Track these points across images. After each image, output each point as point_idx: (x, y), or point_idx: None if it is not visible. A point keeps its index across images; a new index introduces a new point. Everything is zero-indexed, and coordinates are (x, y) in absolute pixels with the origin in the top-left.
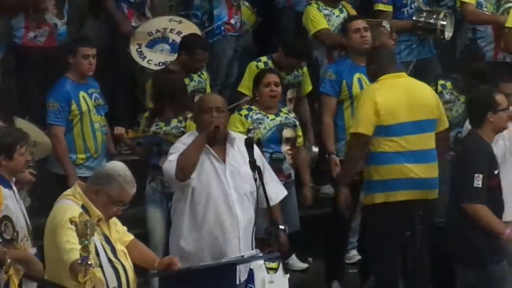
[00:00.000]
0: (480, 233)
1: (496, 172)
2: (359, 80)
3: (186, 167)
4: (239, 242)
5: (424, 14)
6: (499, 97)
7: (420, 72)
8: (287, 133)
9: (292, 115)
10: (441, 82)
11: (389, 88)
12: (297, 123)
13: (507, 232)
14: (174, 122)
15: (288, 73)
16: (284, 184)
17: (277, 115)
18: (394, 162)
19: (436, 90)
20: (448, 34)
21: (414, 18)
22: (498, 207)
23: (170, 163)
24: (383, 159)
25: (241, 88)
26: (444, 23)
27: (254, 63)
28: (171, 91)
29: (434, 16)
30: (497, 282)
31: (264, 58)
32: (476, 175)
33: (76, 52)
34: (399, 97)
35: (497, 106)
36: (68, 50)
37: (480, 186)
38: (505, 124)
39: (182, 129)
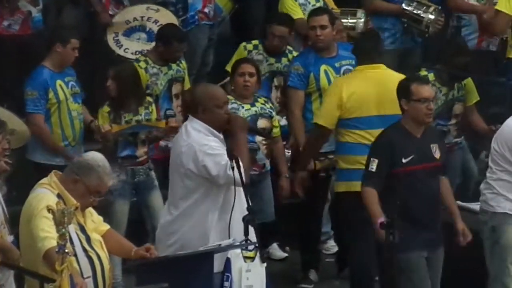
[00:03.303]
0: None
1: (405, 160)
2: (326, 72)
3: (249, 171)
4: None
5: (414, 4)
6: (419, 87)
7: (402, 62)
8: (261, 123)
9: (269, 105)
10: (423, 73)
11: (359, 80)
12: (274, 113)
13: (379, 220)
14: (142, 110)
15: (277, 60)
16: (258, 175)
17: (252, 105)
18: (357, 153)
19: None
20: (433, 29)
21: (403, 5)
22: (412, 194)
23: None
24: (347, 149)
25: (228, 67)
26: (432, 17)
27: (244, 43)
28: (135, 80)
29: (424, 8)
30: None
31: (255, 41)
32: (372, 159)
33: (68, 43)
34: (368, 90)
35: (410, 95)
36: (57, 38)
37: (373, 170)
38: (422, 116)
39: (150, 114)
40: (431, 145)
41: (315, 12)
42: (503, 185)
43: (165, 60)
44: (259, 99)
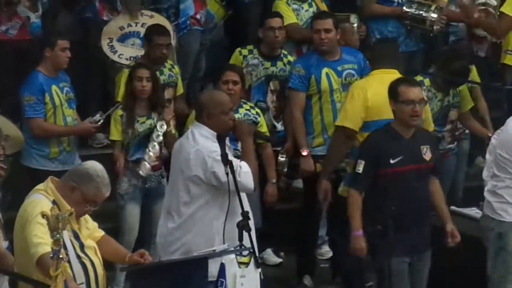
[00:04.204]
0: None
1: (393, 161)
2: (327, 74)
3: (256, 177)
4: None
5: (415, 6)
6: (405, 89)
7: (407, 66)
8: None
9: (255, 110)
10: (419, 78)
11: (378, 83)
12: (259, 119)
13: (356, 233)
14: (155, 115)
15: (273, 64)
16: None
17: (235, 111)
18: None
19: None
20: (437, 27)
21: (404, 8)
22: (400, 196)
23: (246, 175)
24: None
25: None
26: (435, 15)
27: (239, 49)
28: (155, 84)
29: (425, 9)
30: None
31: (250, 46)
32: (359, 161)
33: (55, 45)
34: (386, 93)
35: (397, 97)
36: (46, 43)
37: (360, 172)
38: (407, 117)
39: (163, 120)
40: (422, 147)
41: (320, 16)
42: None
43: (153, 61)
44: (244, 105)
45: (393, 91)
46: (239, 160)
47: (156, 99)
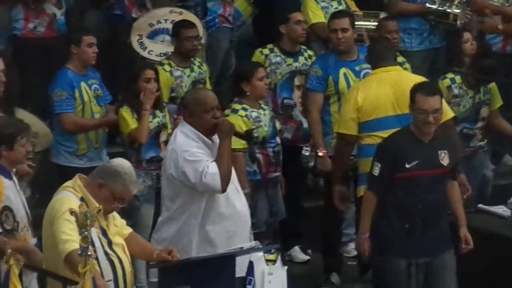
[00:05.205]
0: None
1: (408, 166)
2: (345, 75)
3: (228, 179)
4: (250, 232)
5: (438, 1)
6: (421, 98)
7: (432, 62)
8: (278, 125)
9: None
10: (450, 76)
11: (375, 82)
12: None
13: (362, 237)
14: (158, 113)
15: (295, 60)
16: (276, 177)
17: (263, 109)
18: None
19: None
20: (460, 21)
21: (427, 4)
22: (409, 200)
23: (213, 176)
24: (369, 151)
25: None
26: (458, 10)
27: (259, 49)
28: (158, 83)
29: (448, 4)
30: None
31: (269, 45)
32: (375, 163)
33: (81, 42)
34: (384, 91)
35: (414, 103)
36: (72, 40)
37: (376, 174)
38: (420, 125)
39: (165, 118)
40: (439, 151)
41: (336, 15)
42: None
43: (183, 56)
44: (261, 103)
45: (412, 95)
46: (210, 161)
47: (158, 98)
